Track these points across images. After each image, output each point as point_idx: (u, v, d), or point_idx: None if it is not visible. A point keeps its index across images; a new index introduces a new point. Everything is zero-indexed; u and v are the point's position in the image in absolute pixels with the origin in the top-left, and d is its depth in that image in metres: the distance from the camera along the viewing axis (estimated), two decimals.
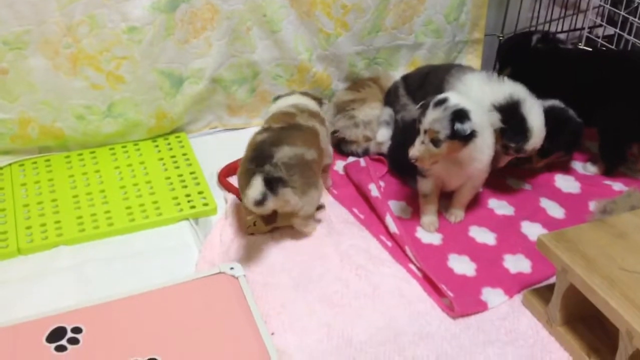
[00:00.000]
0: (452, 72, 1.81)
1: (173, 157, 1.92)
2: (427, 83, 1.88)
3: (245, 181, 1.50)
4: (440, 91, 1.67)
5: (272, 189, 1.49)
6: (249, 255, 1.60)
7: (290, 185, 1.53)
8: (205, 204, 1.74)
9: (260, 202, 1.47)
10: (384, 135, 1.90)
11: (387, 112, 1.94)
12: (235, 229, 1.66)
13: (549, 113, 1.75)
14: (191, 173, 1.86)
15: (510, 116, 1.67)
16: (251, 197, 1.47)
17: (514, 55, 2.08)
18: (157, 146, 1.97)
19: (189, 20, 1.88)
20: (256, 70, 2.02)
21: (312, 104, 1.76)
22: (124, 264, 1.57)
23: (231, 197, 1.77)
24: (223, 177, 1.84)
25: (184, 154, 1.94)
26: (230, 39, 1.94)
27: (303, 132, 1.63)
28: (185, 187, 1.80)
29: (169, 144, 1.98)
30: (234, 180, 1.84)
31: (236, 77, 2.01)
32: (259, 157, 1.53)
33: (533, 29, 2.41)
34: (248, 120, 2.11)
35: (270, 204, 1.51)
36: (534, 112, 1.69)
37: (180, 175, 1.85)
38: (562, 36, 2.51)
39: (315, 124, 1.69)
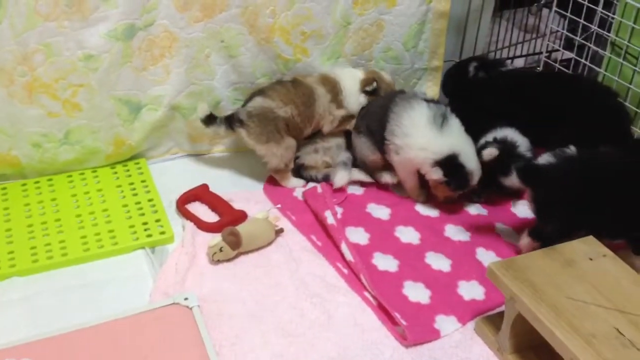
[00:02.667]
0: (397, 103, 1.86)
1: (131, 184, 1.92)
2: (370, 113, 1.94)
3: None
4: (384, 122, 1.80)
5: (230, 125, 1.87)
6: (204, 285, 1.59)
7: (245, 128, 1.87)
8: (162, 232, 1.74)
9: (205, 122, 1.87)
10: (343, 178, 1.90)
11: (345, 155, 1.96)
12: (191, 258, 1.65)
13: (499, 152, 1.80)
14: (149, 200, 1.85)
15: (451, 169, 1.78)
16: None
17: (455, 88, 2.12)
18: (115, 173, 1.96)
19: (147, 48, 1.88)
20: (217, 98, 2.03)
21: (346, 77, 1.99)
22: (78, 295, 1.56)
23: (189, 224, 1.77)
24: (182, 204, 1.84)
25: (143, 181, 1.93)
26: (189, 66, 1.95)
27: (293, 89, 1.90)
28: (143, 214, 1.80)
29: (127, 170, 1.98)
30: (193, 208, 1.84)
31: (196, 104, 2.00)
32: (246, 99, 1.94)
33: (491, 54, 2.45)
34: (209, 146, 2.11)
35: (221, 131, 1.90)
36: (469, 156, 1.79)
37: (138, 203, 1.84)
38: (520, 60, 2.56)
39: (320, 88, 1.93)
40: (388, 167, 1.92)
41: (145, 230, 1.74)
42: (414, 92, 1.98)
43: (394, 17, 2.07)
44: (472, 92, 2.06)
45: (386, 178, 1.93)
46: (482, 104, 1.95)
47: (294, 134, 1.91)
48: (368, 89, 1.99)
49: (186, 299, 1.50)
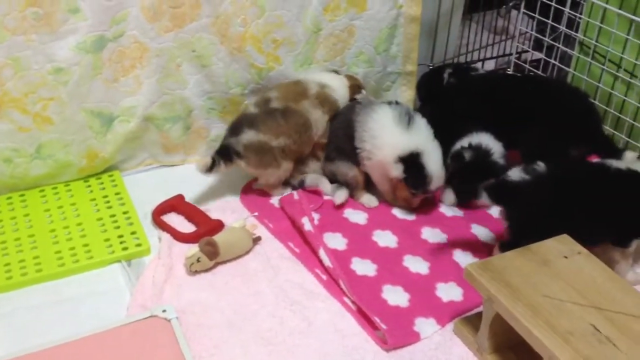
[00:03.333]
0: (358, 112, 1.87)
1: (105, 197, 1.90)
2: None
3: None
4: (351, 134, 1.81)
5: (229, 157, 1.82)
6: (182, 296, 1.58)
7: (244, 160, 1.84)
8: (138, 245, 1.72)
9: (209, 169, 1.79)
10: (341, 196, 1.89)
11: None
12: (168, 269, 1.64)
13: (473, 159, 1.83)
14: (124, 213, 1.84)
15: (411, 167, 1.77)
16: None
17: (430, 94, 2.14)
18: (89, 186, 1.94)
19: (117, 59, 1.87)
20: (189, 107, 2.02)
21: (339, 87, 1.97)
22: (54, 312, 1.54)
23: (165, 236, 1.76)
24: (158, 215, 1.82)
25: (117, 193, 1.91)
26: (160, 76, 1.94)
27: (284, 122, 1.85)
28: (118, 227, 1.78)
29: (101, 183, 1.96)
30: (168, 219, 1.83)
31: (169, 114, 2.00)
32: (234, 127, 1.88)
33: (463, 56, 2.47)
34: (184, 157, 2.10)
35: (222, 168, 1.81)
36: (432, 157, 1.79)
37: (113, 216, 1.82)
38: (491, 62, 2.59)
39: (316, 111, 1.89)
40: (370, 183, 1.91)
41: (121, 243, 1.72)
42: (370, 99, 1.98)
43: (364, 22, 2.09)
44: (445, 97, 2.07)
45: (364, 200, 1.91)
46: (454, 108, 1.97)
47: (292, 157, 1.90)
48: (356, 96, 1.99)
49: (164, 311, 1.49)
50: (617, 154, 1.85)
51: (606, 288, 1.36)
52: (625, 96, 2.08)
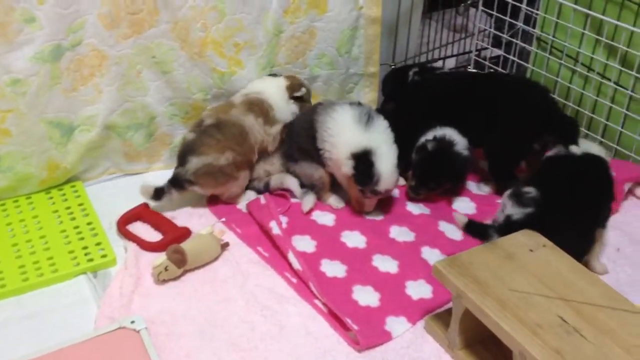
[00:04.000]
0: (318, 111, 1.86)
1: (68, 208, 1.87)
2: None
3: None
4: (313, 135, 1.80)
5: (181, 186, 1.83)
6: (151, 306, 1.56)
7: (198, 185, 1.84)
8: (104, 256, 1.70)
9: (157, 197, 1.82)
10: (309, 203, 1.89)
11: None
12: (135, 279, 1.62)
13: (435, 149, 1.85)
14: (88, 224, 1.81)
15: (360, 163, 1.76)
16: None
17: (394, 91, 2.15)
18: (51, 198, 1.90)
19: (76, 68, 1.84)
20: (151, 114, 2.00)
21: (271, 90, 1.94)
22: (19, 327, 1.51)
23: (132, 246, 1.73)
24: (123, 225, 1.80)
25: (80, 204, 1.88)
26: (121, 84, 1.91)
27: (221, 135, 1.82)
28: (82, 239, 1.75)
29: (64, 194, 1.92)
30: (134, 228, 1.80)
31: (131, 122, 1.97)
32: (180, 157, 1.86)
33: (424, 55, 2.49)
34: (148, 164, 2.08)
35: (174, 196, 1.84)
36: (384, 157, 1.77)
37: (77, 227, 1.79)
38: (451, 60, 2.62)
39: (248, 117, 1.87)
40: (337, 184, 1.91)
41: (86, 254, 1.70)
42: (331, 101, 1.97)
43: (325, 24, 2.09)
44: (409, 95, 2.08)
45: (331, 201, 1.91)
46: (418, 106, 1.98)
47: (245, 166, 1.88)
48: (297, 94, 1.97)
49: (133, 322, 1.47)
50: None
51: (572, 279, 1.38)
52: (583, 89, 2.12)
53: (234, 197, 1.91)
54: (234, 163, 1.83)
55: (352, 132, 1.78)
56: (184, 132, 2.01)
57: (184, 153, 1.84)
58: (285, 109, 1.96)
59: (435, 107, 1.99)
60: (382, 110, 1.89)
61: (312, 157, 1.86)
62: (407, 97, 2.08)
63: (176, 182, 1.82)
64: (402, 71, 2.18)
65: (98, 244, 1.73)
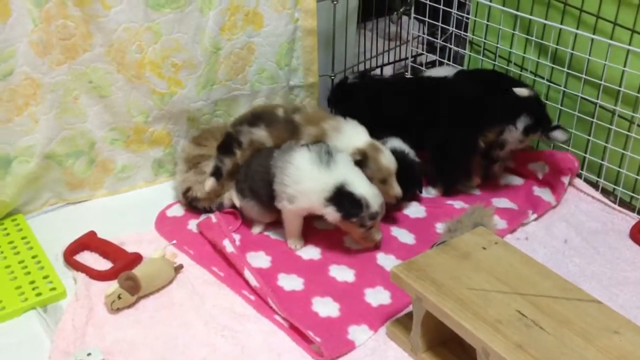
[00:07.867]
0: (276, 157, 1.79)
1: (11, 242, 1.80)
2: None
3: None
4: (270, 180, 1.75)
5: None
6: (106, 336, 1.51)
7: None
8: (53, 289, 1.64)
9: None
10: (258, 228, 1.88)
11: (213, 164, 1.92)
12: (88, 310, 1.57)
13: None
14: (33, 257, 1.74)
15: (342, 198, 1.68)
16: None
17: (339, 101, 2.18)
18: None
19: (9, 98, 1.77)
20: (91, 140, 1.95)
21: None
22: None
23: (81, 276, 1.68)
24: (70, 255, 1.74)
25: (24, 238, 1.82)
26: (58, 111, 1.86)
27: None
28: (29, 273, 1.69)
29: (5, 229, 1.85)
30: (82, 258, 1.75)
31: (71, 150, 1.92)
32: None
33: (361, 64, 2.52)
34: (91, 192, 2.02)
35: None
36: (358, 182, 1.70)
37: (22, 262, 1.73)
38: (388, 68, 2.66)
39: None
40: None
41: (34, 289, 1.64)
42: (289, 144, 1.84)
43: (263, 39, 2.09)
44: (352, 105, 2.10)
45: (256, 230, 1.88)
46: (360, 116, 1.99)
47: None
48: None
49: (89, 354, 1.43)
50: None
51: (525, 273, 1.42)
52: None
53: None
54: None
55: (317, 177, 1.70)
56: (128, 155, 1.99)
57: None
58: None
59: (375, 114, 2.02)
60: None
61: (262, 203, 1.81)
62: (349, 107, 2.09)
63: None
64: (342, 82, 2.21)
65: (46, 277, 1.67)
